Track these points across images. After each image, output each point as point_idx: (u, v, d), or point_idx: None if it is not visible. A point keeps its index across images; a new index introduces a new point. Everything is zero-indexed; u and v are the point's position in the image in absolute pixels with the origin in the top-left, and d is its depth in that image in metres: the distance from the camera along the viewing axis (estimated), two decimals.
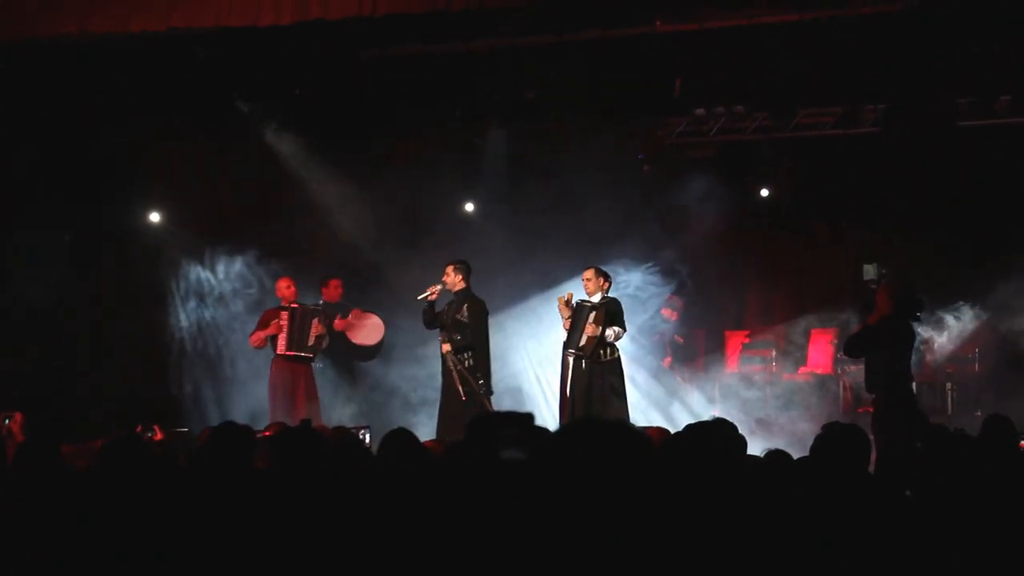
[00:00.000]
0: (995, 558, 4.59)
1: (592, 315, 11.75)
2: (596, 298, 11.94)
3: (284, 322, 12.76)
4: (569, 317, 11.92)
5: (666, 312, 14.57)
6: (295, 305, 12.87)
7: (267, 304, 13.35)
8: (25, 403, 10.95)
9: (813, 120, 14.32)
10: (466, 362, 11.84)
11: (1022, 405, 11.46)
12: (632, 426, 3.66)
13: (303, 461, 5.25)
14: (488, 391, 11.90)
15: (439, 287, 12.01)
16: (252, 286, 14.17)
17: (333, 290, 13.72)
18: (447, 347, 11.97)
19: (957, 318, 13.69)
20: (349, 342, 13.61)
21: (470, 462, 3.93)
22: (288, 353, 12.74)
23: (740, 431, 5.50)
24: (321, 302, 13.49)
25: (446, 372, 12.01)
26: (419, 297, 12.11)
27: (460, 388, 11.80)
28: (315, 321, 12.85)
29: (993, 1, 11.57)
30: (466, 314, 11.97)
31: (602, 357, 11.79)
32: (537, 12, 11.75)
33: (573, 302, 12.00)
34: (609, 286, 12.14)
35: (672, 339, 14.66)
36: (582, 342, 11.76)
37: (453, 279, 12.04)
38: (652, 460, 3.58)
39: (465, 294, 12.07)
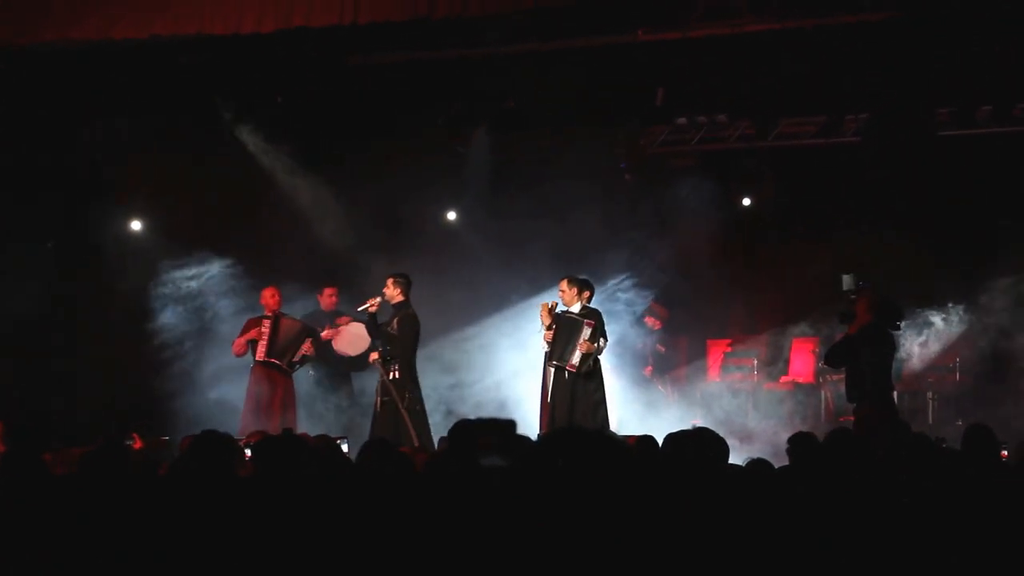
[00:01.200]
0: (979, 568, 4.60)
1: (587, 332, 11.72)
2: (576, 308, 11.90)
3: (266, 329, 12.74)
4: (550, 326, 11.88)
5: (649, 321, 14.54)
6: (278, 314, 12.85)
7: (248, 313, 13.31)
8: (5, 411, 10.89)
9: (795, 129, 14.40)
10: (392, 374, 11.82)
11: (1003, 414, 11.51)
12: (613, 435, 3.67)
13: (287, 468, 5.24)
14: (414, 403, 11.86)
15: (379, 299, 12.03)
16: (235, 294, 14.10)
17: (327, 298, 13.70)
18: (374, 356, 12.04)
19: (944, 321, 13.74)
20: (335, 350, 13.58)
21: (452, 469, 3.92)
22: (267, 360, 12.71)
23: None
24: (318, 310, 13.52)
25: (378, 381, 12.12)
26: (359, 309, 12.18)
27: (379, 398, 11.87)
28: (308, 341, 12.85)
29: (975, 12, 11.62)
30: (395, 326, 11.96)
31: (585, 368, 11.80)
32: (520, 20, 11.75)
33: (557, 311, 11.97)
34: (590, 295, 12.10)
35: (654, 348, 14.64)
36: (575, 359, 11.74)
37: (392, 291, 12.05)
38: (633, 468, 3.59)
39: (399, 307, 12.06)
